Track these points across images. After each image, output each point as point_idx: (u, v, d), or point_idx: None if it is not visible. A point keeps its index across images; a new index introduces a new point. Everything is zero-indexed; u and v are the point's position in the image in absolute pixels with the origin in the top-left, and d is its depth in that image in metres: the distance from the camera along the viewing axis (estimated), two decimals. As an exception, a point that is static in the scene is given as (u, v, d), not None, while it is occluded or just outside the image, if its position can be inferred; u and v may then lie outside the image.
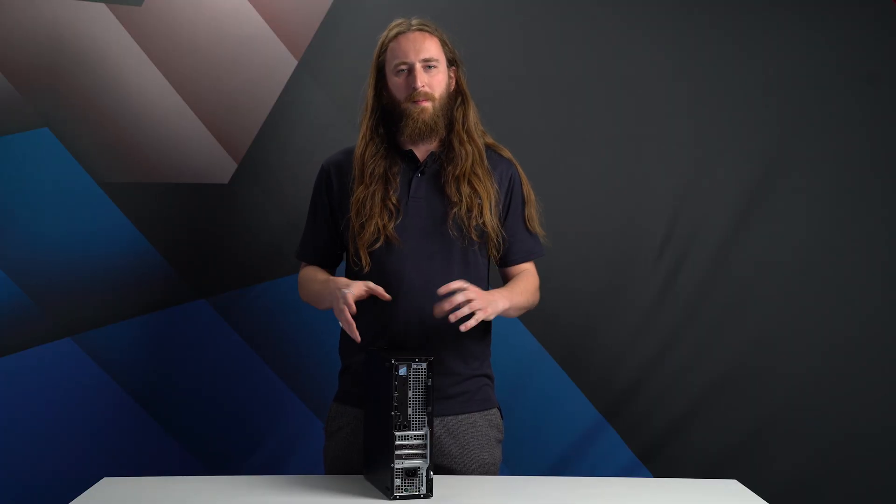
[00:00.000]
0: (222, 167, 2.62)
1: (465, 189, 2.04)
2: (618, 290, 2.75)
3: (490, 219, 2.06)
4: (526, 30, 2.73)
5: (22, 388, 2.51)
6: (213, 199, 2.62)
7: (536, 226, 2.17)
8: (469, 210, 2.04)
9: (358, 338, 1.93)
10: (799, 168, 2.78)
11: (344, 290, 1.93)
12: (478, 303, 1.90)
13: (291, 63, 2.64)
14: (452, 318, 1.89)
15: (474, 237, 2.05)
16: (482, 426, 2.08)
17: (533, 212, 2.17)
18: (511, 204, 2.13)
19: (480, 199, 2.05)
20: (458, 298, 1.89)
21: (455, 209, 2.04)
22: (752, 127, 2.78)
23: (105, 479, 1.95)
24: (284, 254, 2.63)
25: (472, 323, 1.89)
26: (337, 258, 2.19)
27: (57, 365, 2.53)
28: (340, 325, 1.97)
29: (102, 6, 2.55)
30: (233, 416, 2.63)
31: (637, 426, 2.76)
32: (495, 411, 2.13)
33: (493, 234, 2.07)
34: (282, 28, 2.63)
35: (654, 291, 2.75)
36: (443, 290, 1.91)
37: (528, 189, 2.17)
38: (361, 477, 1.96)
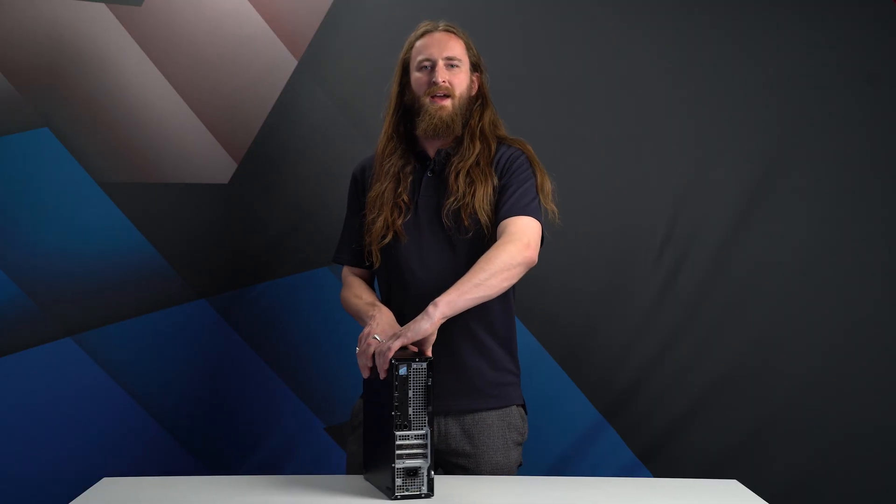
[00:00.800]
0: (222, 167, 2.62)
1: (464, 180, 2.06)
2: (618, 290, 2.75)
3: (482, 206, 2.04)
4: (526, 30, 2.74)
5: (22, 388, 2.51)
6: (213, 199, 2.62)
7: (544, 198, 2.10)
8: (465, 200, 2.05)
9: (366, 375, 1.89)
10: (799, 168, 2.78)
11: (386, 346, 1.81)
12: (390, 342, 1.81)
13: (291, 63, 2.64)
14: (382, 376, 1.81)
15: (467, 224, 2.04)
16: (497, 427, 2.07)
17: (543, 184, 2.11)
18: (506, 174, 2.09)
19: (475, 189, 2.05)
20: (375, 361, 1.82)
21: (451, 199, 2.05)
22: (752, 127, 2.78)
23: (105, 479, 1.95)
24: (284, 254, 2.63)
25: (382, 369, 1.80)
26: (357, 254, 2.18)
27: (57, 365, 2.53)
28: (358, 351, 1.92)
29: (102, 6, 2.55)
30: (233, 416, 2.63)
31: (637, 426, 2.75)
32: (515, 410, 2.10)
33: (487, 223, 2.04)
34: (282, 28, 2.63)
35: (654, 291, 2.75)
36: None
37: (538, 168, 2.12)
38: (361, 477, 1.96)
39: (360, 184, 2.18)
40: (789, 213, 2.77)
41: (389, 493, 1.76)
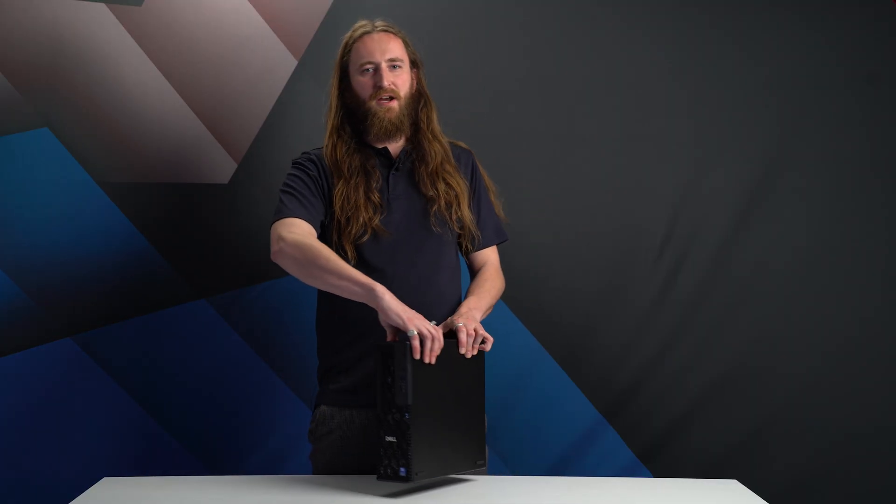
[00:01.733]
0: (222, 167, 2.62)
1: (441, 185, 2.11)
2: (618, 290, 2.75)
3: (467, 212, 2.14)
4: (526, 30, 2.73)
5: (22, 388, 2.51)
6: (213, 199, 2.62)
7: (499, 211, 2.24)
8: (448, 204, 2.10)
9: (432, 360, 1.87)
10: (799, 168, 2.78)
11: (432, 330, 1.84)
12: (479, 329, 1.94)
13: (291, 63, 2.64)
14: (469, 354, 1.91)
15: (456, 229, 2.13)
16: None
17: (493, 198, 2.24)
18: (475, 191, 2.20)
19: (456, 192, 2.12)
20: (466, 340, 1.90)
21: (435, 206, 2.09)
22: (752, 127, 2.78)
23: (105, 479, 1.95)
24: (284, 254, 2.62)
25: (487, 347, 1.94)
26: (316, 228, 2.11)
27: (57, 365, 2.53)
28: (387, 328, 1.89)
29: (102, 6, 2.54)
30: (233, 416, 2.63)
31: (637, 426, 2.76)
32: None
33: (470, 227, 2.15)
34: (282, 28, 2.63)
35: (654, 291, 2.75)
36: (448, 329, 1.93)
37: (486, 177, 2.24)
38: (361, 477, 1.96)
39: (322, 171, 2.10)
40: (789, 213, 2.77)
41: (481, 465, 1.92)
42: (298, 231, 2.00)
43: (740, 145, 2.77)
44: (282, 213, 2.04)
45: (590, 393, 2.75)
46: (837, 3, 2.79)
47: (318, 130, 2.63)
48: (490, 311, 2.12)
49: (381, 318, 1.86)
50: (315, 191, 2.10)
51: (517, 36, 2.73)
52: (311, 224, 2.04)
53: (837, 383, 2.77)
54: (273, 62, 2.63)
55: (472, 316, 1.97)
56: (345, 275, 1.91)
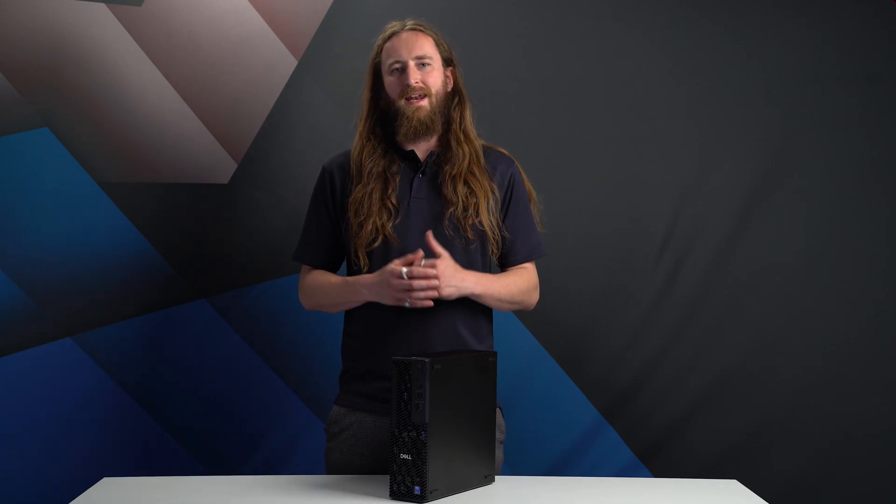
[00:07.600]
0: (222, 167, 2.62)
1: (462, 189, 2.05)
2: (618, 290, 2.75)
3: (487, 217, 2.06)
4: (527, 30, 2.74)
5: (22, 388, 2.51)
6: (213, 199, 2.62)
7: (538, 224, 2.19)
8: (465, 209, 2.05)
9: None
10: (799, 168, 2.78)
11: (399, 279, 1.93)
12: (434, 282, 1.94)
13: (291, 63, 2.64)
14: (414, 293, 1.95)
15: (470, 236, 2.05)
16: None
17: (534, 210, 2.18)
18: (511, 203, 2.13)
19: (477, 198, 2.06)
20: (419, 283, 1.93)
21: (451, 209, 2.04)
22: (752, 127, 2.78)
23: (105, 479, 1.95)
24: (284, 254, 2.63)
25: (429, 297, 1.94)
26: (340, 260, 2.18)
27: (57, 365, 2.53)
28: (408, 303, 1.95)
29: (102, 6, 2.55)
30: (233, 416, 2.63)
31: (637, 426, 2.76)
32: (497, 411, 2.12)
33: (490, 234, 2.08)
34: (282, 28, 2.63)
35: (654, 291, 2.75)
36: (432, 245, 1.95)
37: (529, 187, 2.18)
38: (361, 477, 1.96)
39: (338, 183, 2.11)
40: (789, 213, 2.77)
41: (490, 479, 1.90)
42: (305, 279, 2.17)
43: (740, 145, 2.77)
44: (297, 257, 2.19)
45: (590, 393, 2.75)
46: (837, 3, 2.79)
47: (318, 130, 2.65)
48: (498, 301, 2.07)
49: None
50: (326, 212, 2.13)
51: (517, 36, 2.73)
52: (319, 259, 2.16)
53: (837, 384, 2.77)
54: (273, 62, 2.63)
55: (458, 277, 1.96)
56: (335, 294, 2.08)
